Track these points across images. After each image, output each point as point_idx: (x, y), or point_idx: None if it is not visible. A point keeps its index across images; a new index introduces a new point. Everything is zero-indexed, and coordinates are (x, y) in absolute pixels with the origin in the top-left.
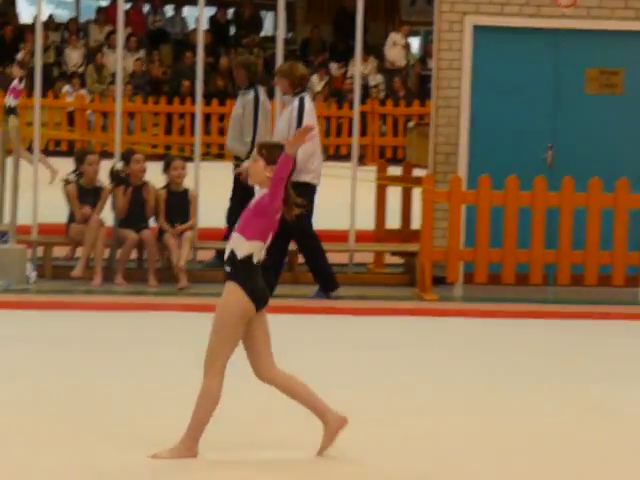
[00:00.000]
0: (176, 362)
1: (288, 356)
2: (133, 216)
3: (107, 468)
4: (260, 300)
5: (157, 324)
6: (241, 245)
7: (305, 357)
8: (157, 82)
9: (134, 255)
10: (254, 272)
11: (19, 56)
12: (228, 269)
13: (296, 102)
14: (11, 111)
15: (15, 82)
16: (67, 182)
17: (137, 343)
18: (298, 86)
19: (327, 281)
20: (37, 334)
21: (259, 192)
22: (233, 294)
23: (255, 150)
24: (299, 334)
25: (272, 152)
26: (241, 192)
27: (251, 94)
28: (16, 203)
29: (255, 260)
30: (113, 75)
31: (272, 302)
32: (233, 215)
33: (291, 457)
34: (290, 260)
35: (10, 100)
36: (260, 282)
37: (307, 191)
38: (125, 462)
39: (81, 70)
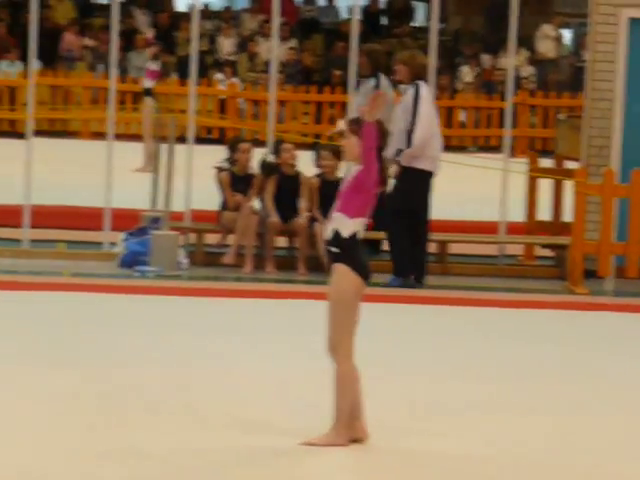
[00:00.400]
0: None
1: (446, 347)
2: (283, 205)
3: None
4: (368, 276)
5: (306, 312)
6: (345, 224)
7: (468, 350)
8: (308, 71)
9: (284, 244)
10: (359, 249)
11: (147, 35)
12: (334, 250)
13: (412, 90)
14: (147, 93)
15: (150, 63)
16: (220, 169)
17: (286, 331)
18: (416, 75)
19: (402, 269)
20: (186, 321)
21: (351, 170)
22: (345, 277)
23: (346, 127)
24: (453, 325)
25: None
26: None
27: (372, 82)
28: (170, 190)
29: (359, 237)
30: (265, 64)
31: (413, 292)
32: None
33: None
34: (441, 250)
35: (147, 82)
36: (364, 258)
37: (421, 178)
38: (281, 447)
39: (233, 58)
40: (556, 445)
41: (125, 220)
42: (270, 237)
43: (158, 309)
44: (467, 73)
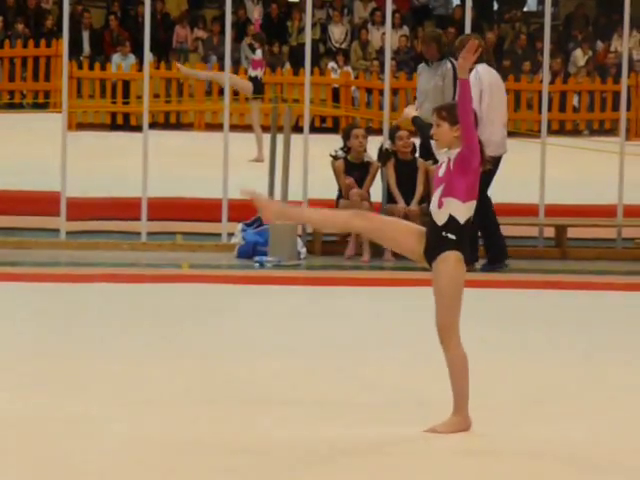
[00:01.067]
0: None
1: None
2: (402, 191)
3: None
4: (468, 263)
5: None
6: (460, 209)
7: (593, 335)
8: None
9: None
10: (468, 235)
11: (255, 20)
12: (451, 237)
13: (449, 65)
14: (253, 81)
15: (256, 54)
16: (335, 158)
17: (408, 318)
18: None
19: (498, 253)
20: (307, 309)
21: (446, 156)
22: (459, 264)
23: (434, 116)
24: (573, 309)
25: (452, 111)
26: None
27: (447, 65)
28: (286, 179)
29: (471, 222)
30: (377, 52)
31: (539, 277)
32: None
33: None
34: (559, 234)
35: (251, 71)
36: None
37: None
38: (402, 434)
39: (345, 46)
40: None
41: (242, 211)
42: None
43: (279, 299)
44: (579, 57)
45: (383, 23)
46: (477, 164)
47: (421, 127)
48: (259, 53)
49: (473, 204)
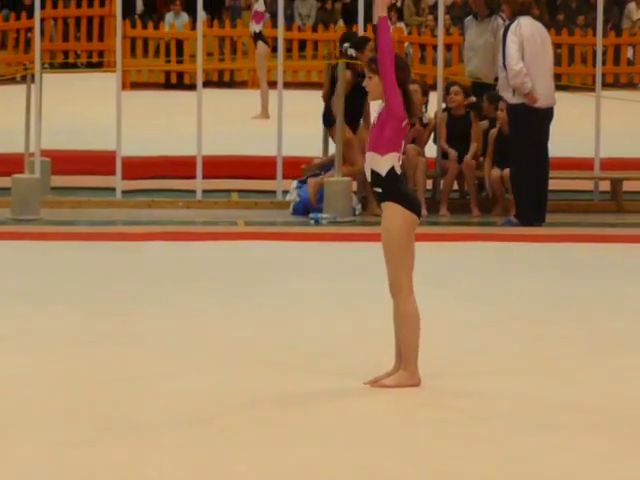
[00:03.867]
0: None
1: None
2: (456, 147)
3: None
4: (418, 208)
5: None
6: (379, 162)
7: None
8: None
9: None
10: (402, 183)
11: None
12: (379, 190)
13: (500, 21)
14: (257, 37)
15: (256, 6)
16: None
17: (467, 274)
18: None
19: (525, 211)
20: (362, 265)
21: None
22: (393, 214)
23: (366, 67)
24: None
25: None
26: None
27: (499, 21)
28: (342, 134)
29: (398, 171)
30: (431, 7)
31: (595, 231)
32: None
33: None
34: (614, 188)
35: (253, 26)
36: (410, 190)
37: (531, 115)
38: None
39: (398, 3)
40: None
41: (297, 168)
42: (448, 180)
43: (335, 255)
44: (634, 10)
45: None
46: (397, 116)
47: None
48: (261, 4)
49: (395, 155)
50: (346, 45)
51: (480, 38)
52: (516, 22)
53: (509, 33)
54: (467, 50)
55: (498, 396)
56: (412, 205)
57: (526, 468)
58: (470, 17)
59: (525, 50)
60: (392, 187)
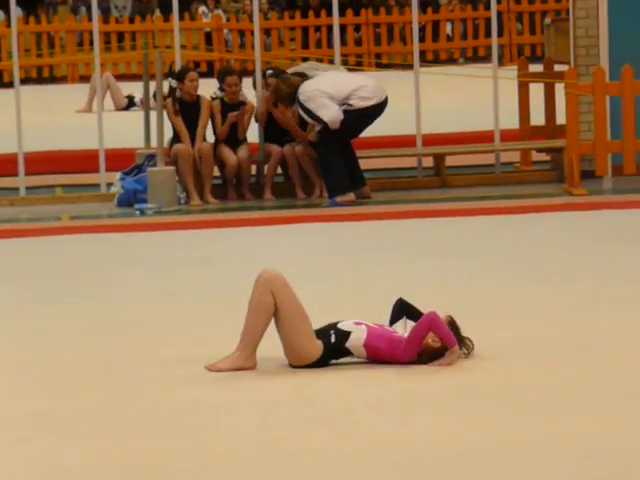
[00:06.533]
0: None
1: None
2: (277, 131)
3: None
4: None
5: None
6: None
7: (481, 260)
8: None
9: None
10: None
11: None
12: None
13: None
14: None
15: None
16: (213, 99)
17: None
18: None
19: (336, 186)
20: (185, 254)
21: None
22: None
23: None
24: (463, 235)
25: None
26: None
27: None
28: (162, 126)
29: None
30: None
31: (420, 207)
32: None
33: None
34: (437, 163)
35: None
36: None
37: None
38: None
39: None
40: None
41: (120, 160)
42: (272, 164)
43: (159, 245)
44: None
45: None
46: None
47: None
48: None
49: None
50: (170, 79)
51: None
52: None
53: None
54: None
55: None
56: None
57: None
58: None
59: None
60: None
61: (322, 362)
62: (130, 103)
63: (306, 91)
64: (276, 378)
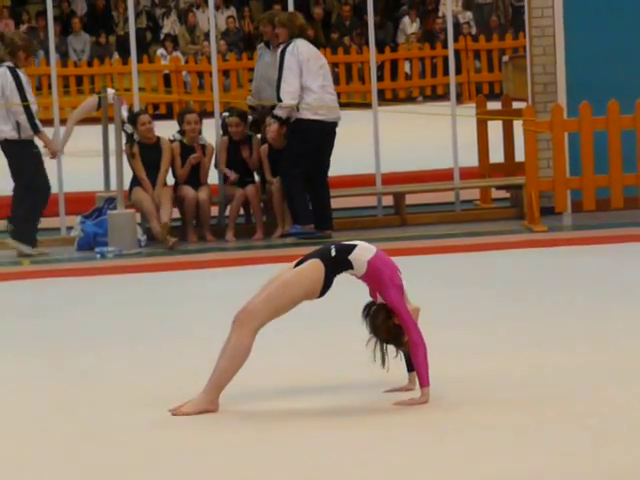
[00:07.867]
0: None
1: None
2: (237, 172)
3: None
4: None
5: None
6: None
7: (440, 297)
8: (250, 38)
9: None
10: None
11: None
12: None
13: (281, 48)
14: None
15: None
16: (172, 141)
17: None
18: (295, 35)
19: (301, 215)
20: (150, 297)
21: None
22: (316, 269)
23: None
24: (425, 274)
25: None
26: None
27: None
28: (122, 169)
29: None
30: (206, 34)
31: (381, 245)
32: None
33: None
34: (397, 202)
35: None
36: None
37: (310, 127)
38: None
39: (173, 32)
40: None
41: (79, 204)
42: (235, 205)
43: (120, 288)
44: (408, 24)
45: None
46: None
47: None
48: None
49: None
50: (126, 124)
51: (272, 66)
52: (292, 44)
53: (287, 55)
54: (260, 79)
55: None
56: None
57: None
58: (262, 45)
59: (304, 69)
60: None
61: (327, 282)
62: None
63: (295, 52)
64: (239, 421)
